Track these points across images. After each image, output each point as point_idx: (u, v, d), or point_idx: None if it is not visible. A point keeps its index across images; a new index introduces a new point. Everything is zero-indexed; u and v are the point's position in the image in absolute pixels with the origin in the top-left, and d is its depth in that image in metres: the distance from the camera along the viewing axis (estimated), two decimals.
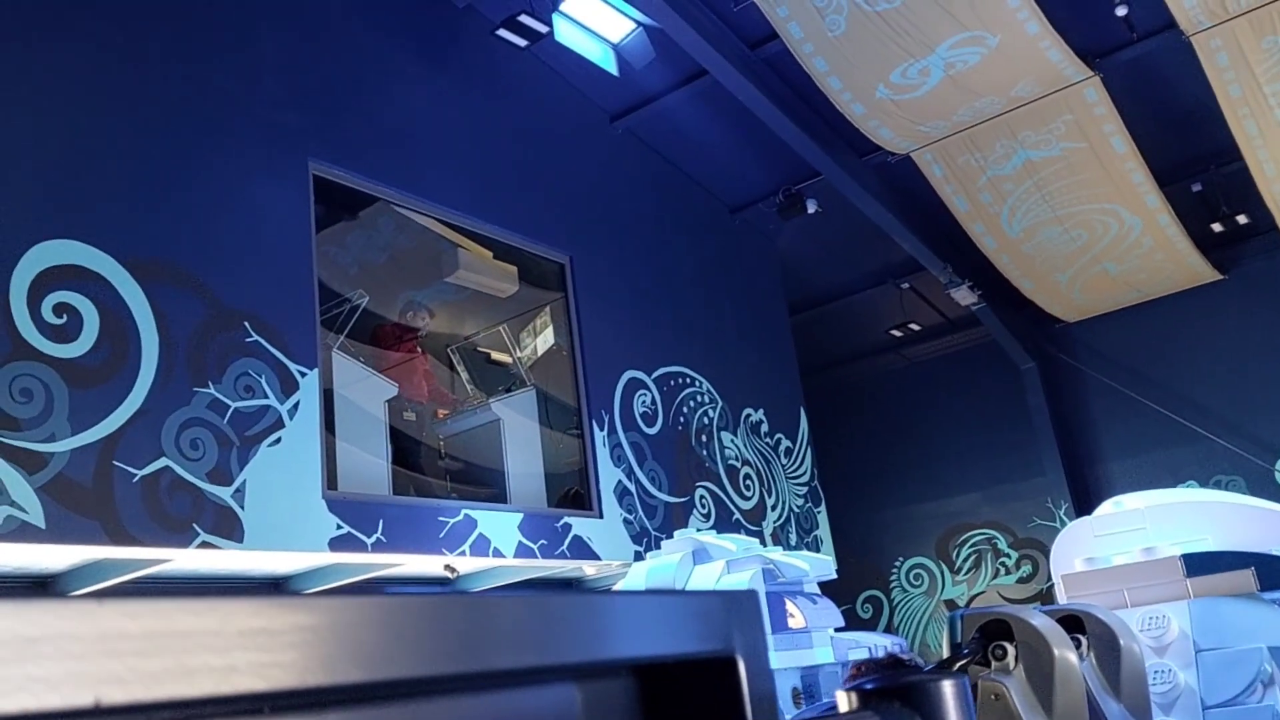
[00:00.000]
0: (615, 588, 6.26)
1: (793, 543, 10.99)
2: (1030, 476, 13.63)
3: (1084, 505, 12.23)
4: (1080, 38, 9.20)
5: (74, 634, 0.34)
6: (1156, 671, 3.65)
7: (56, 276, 5.53)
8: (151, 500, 5.61)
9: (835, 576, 6.16)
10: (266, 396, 6.38)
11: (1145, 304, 12.89)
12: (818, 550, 11.46)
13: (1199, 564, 3.87)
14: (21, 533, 5.04)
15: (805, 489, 11.73)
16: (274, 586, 7.84)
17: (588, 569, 8.91)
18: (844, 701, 0.51)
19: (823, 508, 11.97)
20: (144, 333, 5.83)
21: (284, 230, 6.88)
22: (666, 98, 10.29)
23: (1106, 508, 4.70)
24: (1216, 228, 11.73)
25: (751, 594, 0.51)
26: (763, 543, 10.32)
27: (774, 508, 10.95)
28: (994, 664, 2.85)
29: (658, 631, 0.46)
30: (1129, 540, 4.46)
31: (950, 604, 14.34)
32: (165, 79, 6.47)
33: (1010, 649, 2.85)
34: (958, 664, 2.92)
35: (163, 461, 5.73)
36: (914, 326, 13.89)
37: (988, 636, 2.90)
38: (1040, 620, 2.89)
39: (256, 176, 6.81)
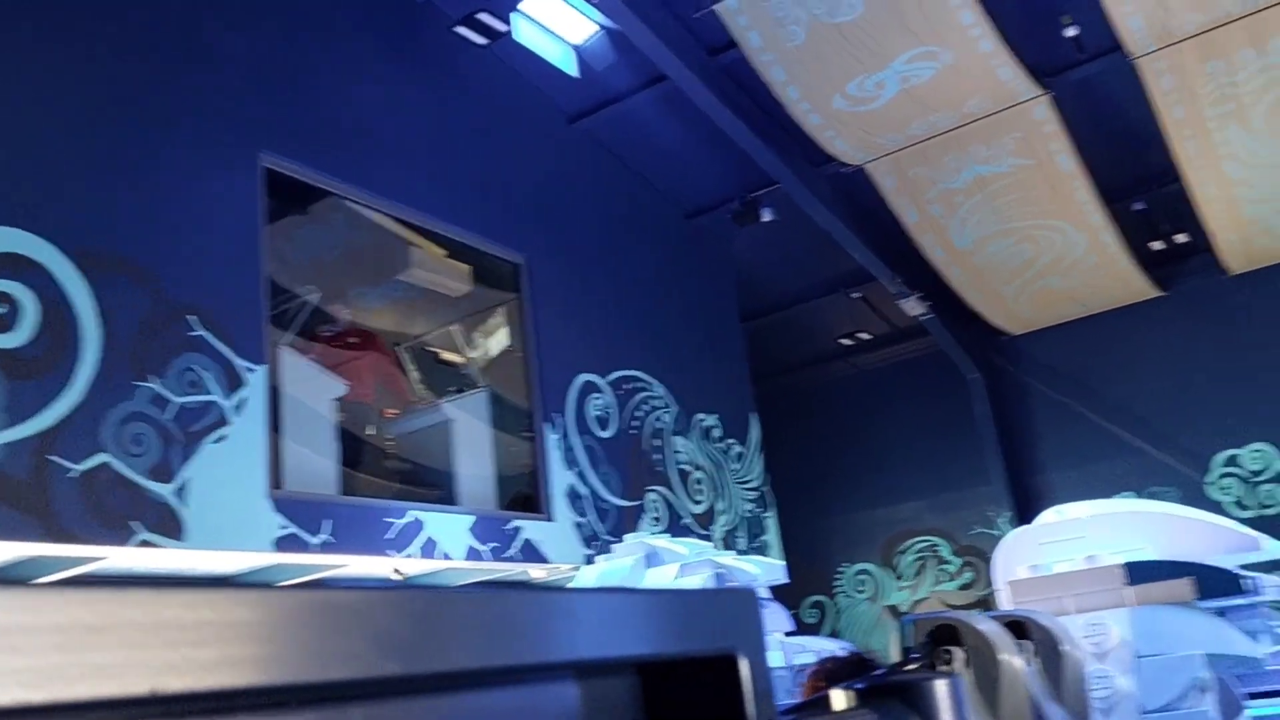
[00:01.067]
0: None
1: (741, 547, 11.04)
2: (973, 485, 13.85)
3: (1024, 514, 12.45)
4: (1031, 56, 9.39)
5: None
6: (1097, 677, 3.73)
7: None
8: (90, 497, 5.48)
9: (787, 581, 6.20)
10: (211, 393, 6.26)
11: (1087, 318, 13.18)
12: (766, 555, 11.53)
13: (1140, 572, 3.96)
14: None
15: (755, 494, 11.80)
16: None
17: (535, 572, 8.87)
18: (840, 700, 0.51)
19: (772, 513, 12.05)
20: (86, 324, 5.70)
21: (233, 223, 6.76)
22: (626, 101, 10.31)
23: (1049, 516, 4.79)
24: (1157, 246, 12.02)
25: (751, 593, 0.52)
26: (713, 546, 10.37)
27: (724, 512, 11.00)
28: (941, 669, 2.89)
29: (661, 630, 0.46)
30: (1071, 548, 4.55)
31: (893, 610, 14.51)
32: (115, 66, 6.34)
33: (958, 653, 2.89)
34: (907, 667, 2.96)
35: (102, 457, 5.59)
36: (864, 335, 14.05)
37: (936, 641, 2.94)
38: (988, 626, 2.94)
39: (207, 168, 6.69)
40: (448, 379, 9.46)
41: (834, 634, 14.62)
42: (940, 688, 0.47)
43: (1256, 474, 12.27)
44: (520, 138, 9.77)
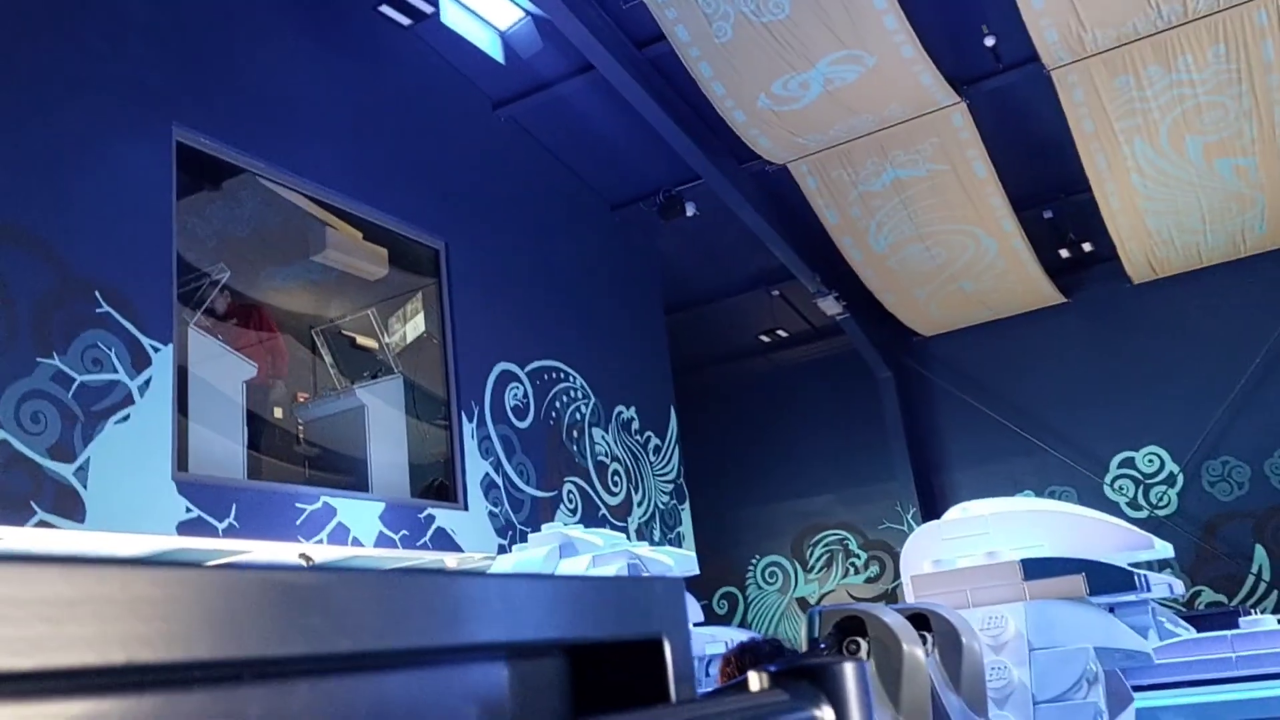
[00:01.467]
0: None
1: (656, 539, 11.13)
2: (882, 481, 14.17)
3: (930, 510, 12.80)
4: (950, 65, 9.63)
5: None
6: (993, 668, 3.87)
7: None
8: None
9: (698, 573, 6.28)
10: (116, 371, 6.07)
11: (995, 322, 13.58)
12: (680, 546, 11.64)
13: (1036, 568, 4.12)
14: None
15: (671, 486, 11.90)
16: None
17: (449, 561, 8.81)
18: (755, 682, 0.54)
19: (686, 505, 12.16)
20: None
21: (142, 197, 6.55)
22: (552, 89, 10.26)
23: (954, 513, 4.94)
24: (1064, 254, 12.45)
25: (678, 582, 0.54)
26: (628, 537, 10.43)
27: (640, 504, 11.07)
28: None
29: (592, 614, 0.48)
30: (974, 544, 4.70)
31: (802, 601, 14.77)
32: (20, 29, 6.08)
33: (863, 644, 2.97)
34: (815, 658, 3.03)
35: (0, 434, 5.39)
36: (782, 333, 14.25)
37: (843, 632, 3.02)
38: (892, 618, 3.03)
39: (115, 139, 6.47)
40: (362, 364, 9.32)
41: (744, 624, 14.83)
42: (848, 670, 0.50)
43: (1150, 476, 12.80)
44: (444, 121, 9.65)
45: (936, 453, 14.13)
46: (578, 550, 6.01)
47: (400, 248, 9.41)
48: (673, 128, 9.78)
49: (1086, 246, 12.20)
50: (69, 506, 5.64)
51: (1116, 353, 13.01)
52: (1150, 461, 12.81)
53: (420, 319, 9.34)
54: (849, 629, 3.03)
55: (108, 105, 6.48)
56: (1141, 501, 12.77)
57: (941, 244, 11.94)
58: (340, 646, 0.40)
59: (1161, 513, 12.56)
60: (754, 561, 15.09)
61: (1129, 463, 12.92)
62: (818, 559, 14.81)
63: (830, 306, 12.61)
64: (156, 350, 6.36)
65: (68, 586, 0.36)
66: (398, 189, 8.87)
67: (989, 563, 4.21)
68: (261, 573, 0.36)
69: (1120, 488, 12.90)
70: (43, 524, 5.49)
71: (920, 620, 3.63)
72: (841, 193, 11.16)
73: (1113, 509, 12.81)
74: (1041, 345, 13.45)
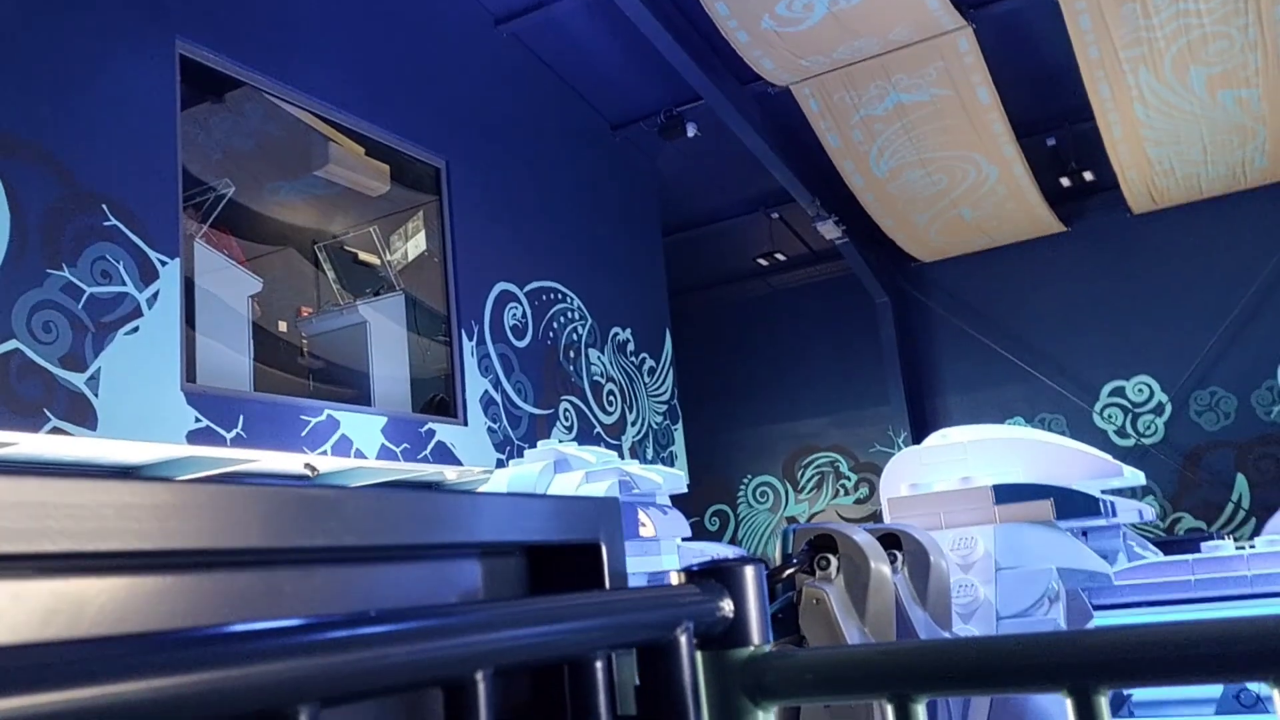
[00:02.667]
0: (479, 491, 6.44)
1: (649, 457, 11.38)
2: (875, 405, 14.40)
3: (921, 435, 12.96)
4: None
5: None
6: (961, 585, 4.10)
7: None
8: (1, 382, 5.45)
9: (686, 491, 6.50)
10: (124, 284, 6.21)
11: (994, 249, 13.64)
12: (672, 465, 11.91)
13: (1006, 493, 4.32)
14: None
15: (665, 407, 12.11)
16: (125, 476, 7.72)
17: (449, 474, 9.06)
18: (674, 578, 0.69)
19: (679, 425, 12.40)
20: None
21: (147, 112, 6.61)
22: (554, 6, 10.18)
23: (935, 438, 5.14)
24: (1065, 182, 12.46)
25: (614, 500, 0.70)
26: (621, 456, 10.68)
27: (634, 423, 11.30)
28: (818, 573, 3.17)
29: (546, 523, 0.64)
30: (951, 469, 4.91)
31: (792, 520, 15.13)
32: None
33: (833, 560, 3.18)
34: (786, 572, 3.24)
35: (12, 344, 5.55)
36: (780, 256, 14.32)
37: (815, 549, 3.22)
38: (862, 537, 3.23)
39: (120, 52, 6.49)
40: (365, 280, 9.44)
41: (734, 541, 15.23)
42: (748, 571, 0.63)
43: (1139, 405, 13.01)
44: (446, 37, 9.60)
45: (930, 378, 14.33)
46: (571, 466, 6.23)
47: (402, 165, 9.46)
48: (674, 47, 9.74)
49: (1088, 175, 12.20)
50: (81, 414, 5.83)
51: (1113, 283, 13.11)
52: (1140, 391, 13.01)
53: (421, 237, 9.43)
54: (821, 546, 3.23)
55: (112, 19, 6.50)
56: (1129, 430, 13.00)
57: (943, 169, 11.95)
58: (347, 541, 0.56)
59: (1148, 441, 12.81)
60: (745, 481, 15.42)
61: (1119, 391, 13.12)
62: (808, 480, 15.12)
63: (829, 230, 12.66)
64: (164, 264, 6.49)
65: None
66: (399, 106, 8.89)
67: (962, 487, 4.41)
68: (300, 489, 0.52)
69: (1109, 416, 13.12)
70: (56, 431, 5.69)
71: (892, 540, 3.84)
72: (843, 116, 11.14)
73: (1100, 437, 13.08)
74: (1039, 273, 13.54)
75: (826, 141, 11.48)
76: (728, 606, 0.68)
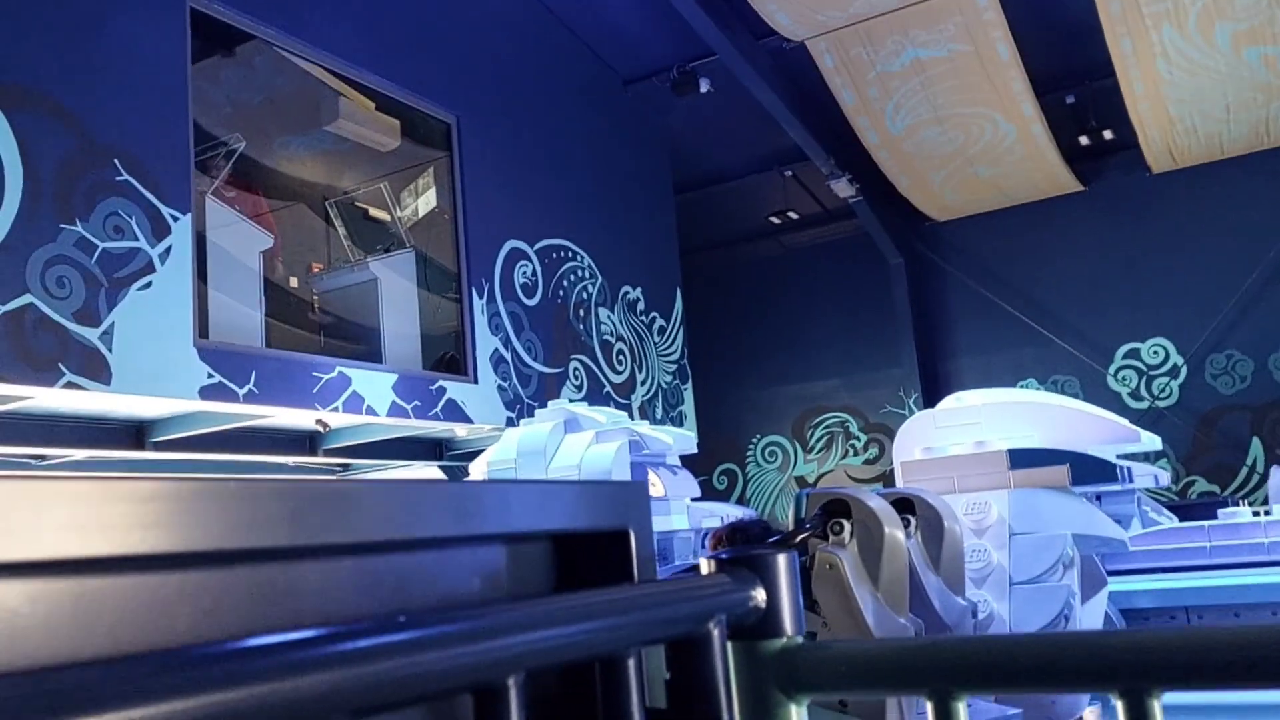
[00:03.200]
0: (487, 450, 6.45)
1: (659, 416, 11.39)
2: (887, 366, 14.34)
3: (932, 396, 12.99)
4: None
5: None
6: (974, 550, 4.09)
7: None
8: (15, 337, 5.45)
9: (696, 451, 6.50)
10: (137, 239, 6.19)
11: (1010, 209, 13.50)
12: (681, 424, 11.92)
13: (1022, 458, 4.29)
14: None
15: (675, 366, 12.10)
16: (137, 431, 7.76)
17: (459, 431, 9.08)
18: (704, 567, 0.67)
19: (689, 385, 12.39)
20: (7, 163, 5.55)
21: (158, 66, 6.54)
22: None
23: (949, 402, 5.10)
24: (1083, 141, 12.29)
25: (642, 485, 0.67)
26: (630, 415, 10.69)
27: (644, 383, 11.29)
28: (831, 538, 3.16)
29: (573, 510, 0.62)
30: (965, 433, 4.88)
31: (801, 480, 15.16)
32: None
33: (847, 525, 3.16)
34: (800, 536, 3.23)
35: (27, 298, 5.55)
36: (793, 215, 14.21)
37: (829, 514, 3.21)
38: (876, 502, 3.21)
39: (130, 5, 6.42)
40: (375, 237, 9.40)
41: (742, 500, 15.27)
42: (781, 560, 0.61)
43: (1154, 368, 12.93)
44: None
45: (943, 340, 14.26)
46: (582, 426, 6.23)
47: (413, 121, 9.37)
48: (687, 1, 9.58)
49: (1107, 134, 12.03)
50: (95, 369, 5.84)
51: (1131, 243, 12.96)
52: (1155, 353, 12.92)
53: (432, 194, 9.36)
54: (834, 511, 3.21)
55: None
56: (1143, 393, 12.93)
57: (959, 127, 11.80)
58: (371, 537, 0.53)
59: (1162, 404, 12.75)
60: (755, 440, 15.43)
61: (1134, 354, 13.04)
62: (818, 440, 15.12)
63: (843, 189, 12.54)
64: (176, 219, 6.46)
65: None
66: (410, 61, 8.79)
67: (977, 451, 4.39)
68: (329, 485, 0.49)
69: (1123, 379, 13.05)
70: (70, 385, 5.71)
71: (905, 504, 3.82)
72: (859, 72, 10.98)
73: (1114, 399, 13.01)
74: (1056, 234, 13.40)
75: (841, 98, 11.33)
76: (760, 597, 0.66)
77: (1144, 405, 12.79)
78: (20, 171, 5.57)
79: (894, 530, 3.17)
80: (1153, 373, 12.91)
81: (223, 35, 7.67)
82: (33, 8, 5.82)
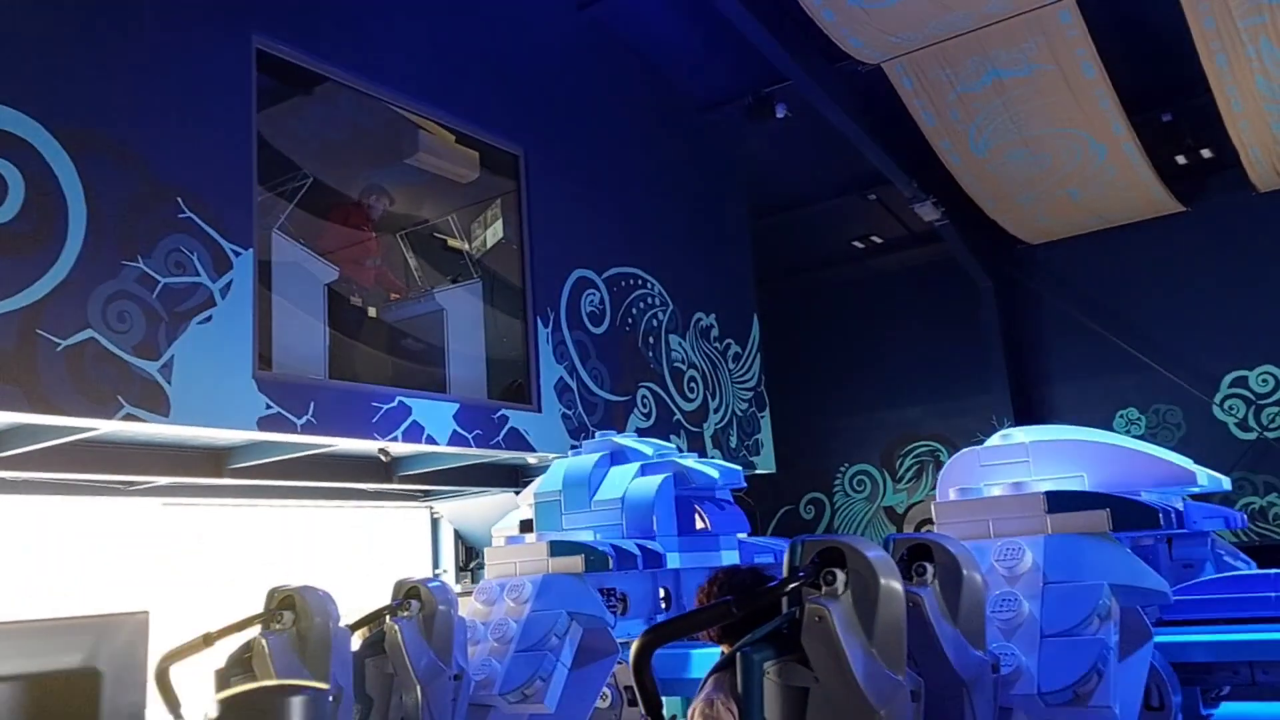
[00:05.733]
0: (534, 481, 6.44)
1: (733, 445, 11.24)
2: (977, 393, 13.89)
3: (1026, 424, 12.51)
4: None
5: None
6: (1004, 599, 3.86)
7: None
8: (75, 370, 5.69)
9: (745, 486, 6.36)
10: (198, 274, 6.40)
11: (1105, 230, 12.96)
12: (758, 453, 11.74)
13: (1060, 501, 4.04)
14: None
15: (751, 394, 11.93)
16: (214, 457, 8.03)
17: (530, 459, 9.11)
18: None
19: (766, 412, 12.20)
20: (72, 203, 5.81)
21: (223, 105, 6.78)
22: None
23: (996, 439, 4.87)
24: (1181, 160, 11.73)
25: (139, 618, 0.61)
26: (703, 444, 10.57)
27: (717, 410, 11.16)
28: (824, 588, 3.02)
29: (38, 649, 0.56)
30: (1010, 472, 4.63)
31: (889, 510, 14.78)
32: None
33: (840, 575, 3.01)
34: (791, 585, 3.09)
35: (88, 333, 5.78)
36: (876, 239, 13.93)
37: (823, 562, 3.06)
38: (873, 552, 3.05)
39: (196, 47, 6.68)
40: (444, 267, 9.54)
41: (829, 529, 14.96)
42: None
43: (1263, 396, 12.21)
44: (525, 24, 9.59)
45: (1036, 366, 13.74)
46: (628, 458, 6.16)
47: (487, 149, 9.50)
48: (758, 29, 9.50)
49: (1206, 153, 11.45)
50: (154, 401, 6.05)
51: (1237, 265, 12.29)
52: (1264, 381, 12.21)
53: (499, 225, 9.47)
54: (829, 560, 3.07)
55: (189, 15, 6.68)
56: (1251, 423, 12.21)
57: (1047, 148, 11.38)
58: None
59: (1272, 434, 12.01)
60: (842, 469, 15.10)
61: (1241, 381, 12.33)
62: (908, 469, 14.73)
63: (927, 213, 12.25)
64: (237, 254, 6.67)
65: None
66: (476, 94, 8.92)
67: (1014, 493, 4.16)
68: None
69: (1230, 408, 12.35)
70: (130, 417, 5.92)
71: (924, 551, 3.64)
72: (939, 94, 10.70)
73: (1220, 429, 12.31)
74: (1156, 256, 12.80)
75: (921, 120, 11.06)
76: None
77: (1252, 435, 12.07)
78: (84, 211, 5.83)
79: (890, 581, 3.00)
80: (1262, 401, 12.19)
81: (291, 73, 7.91)
82: (101, 54, 6.11)
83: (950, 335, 14.09)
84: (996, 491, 4.36)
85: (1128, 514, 3.96)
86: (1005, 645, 3.76)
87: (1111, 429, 12.16)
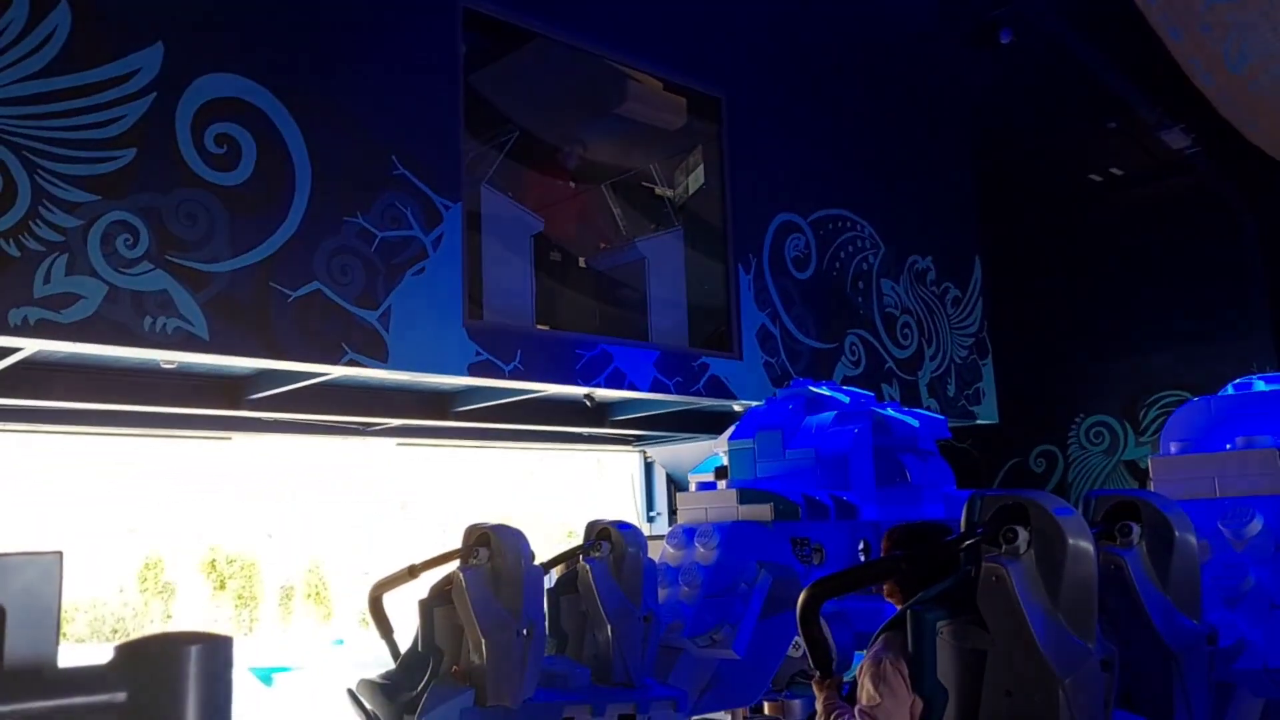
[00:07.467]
0: (728, 429, 6.40)
1: (950, 394, 10.76)
2: (1234, 339, 12.61)
3: None
4: None
5: None
6: (1229, 565, 3.47)
7: (218, 109, 5.95)
8: (303, 320, 6.14)
9: (949, 436, 6.06)
10: (412, 228, 6.73)
11: None
12: (979, 402, 11.20)
13: None
14: (187, 342, 5.67)
15: (971, 340, 11.35)
16: (438, 398, 8.52)
17: (736, 407, 9.07)
18: None
19: (988, 360, 11.58)
20: (298, 164, 6.23)
21: (432, 64, 7.05)
22: None
23: (1230, 389, 4.37)
24: None
25: (52, 556, 0.61)
26: (918, 393, 10.18)
27: (933, 358, 10.70)
28: (1004, 546, 2.82)
29: None
30: (1248, 426, 4.16)
31: (1131, 465, 13.74)
32: None
33: (1022, 533, 2.80)
34: (967, 542, 2.91)
35: (315, 285, 6.22)
36: (1116, 171, 12.80)
37: (1003, 519, 2.86)
38: (1060, 508, 2.82)
39: (406, 10, 6.96)
40: (647, 214, 9.58)
41: (1062, 485, 14.10)
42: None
43: None
44: None
45: None
46: (825, 407, 6.01)
47: (686, 96, 9.41)
48: None
49: None
50: (375, 349, 6.45)
51: None
52: None
53: (700, 170, 9.38)
54: (1010, 516, 2.85)
55: None
56: None
57: None
58: None
59: None
60: (1078, 420, 14.13)
61: None
62: (1153, 421, 13.60)
63: (1176, 140, 11.16)
64: (447, 208, 6.96)
65: None
66: (680, 40, 8.83)
67: (1244, 449, 3.73)
68: None
69: None
70: (352, 363, 6.34)
71: (1130, 509, 3.33)
72: (1187, 7, 9.62)
73: None
74: None
75: (1166, 38, 9.99)
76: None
77: None
78: (310, 171, 6.24)
79: (1078, 541, 2.76)
80: None
81: (506, 32, 8.10)
82: (318, 22, 6.47)
83: (1203, 275, 12.81)
84: (1227, 447, 3.93)
85: None
86: (1227, 615, 3.40)
87: None
